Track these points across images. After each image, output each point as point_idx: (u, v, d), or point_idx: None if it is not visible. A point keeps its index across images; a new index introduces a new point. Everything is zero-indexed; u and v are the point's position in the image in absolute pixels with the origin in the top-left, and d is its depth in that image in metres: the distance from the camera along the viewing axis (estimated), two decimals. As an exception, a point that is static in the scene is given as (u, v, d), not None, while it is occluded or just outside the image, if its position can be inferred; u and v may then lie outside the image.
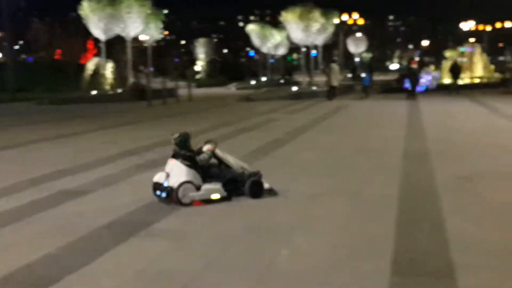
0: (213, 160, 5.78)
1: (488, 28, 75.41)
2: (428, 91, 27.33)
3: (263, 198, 5.61)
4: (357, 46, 53.22)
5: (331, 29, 33.40)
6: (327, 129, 12.93)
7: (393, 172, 7.00)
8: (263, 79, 46.25)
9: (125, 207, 5.38)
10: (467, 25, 75.40)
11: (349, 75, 45.68)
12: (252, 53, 78.25)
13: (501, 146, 9.27)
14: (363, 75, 30.51)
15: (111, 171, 7.56)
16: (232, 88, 39.96)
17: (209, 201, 5.44)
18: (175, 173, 5.48)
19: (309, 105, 21.04)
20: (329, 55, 71.38)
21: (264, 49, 45.32)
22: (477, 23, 76.14)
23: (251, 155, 8.82)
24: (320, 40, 33.32)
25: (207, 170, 5.66)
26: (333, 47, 68.49)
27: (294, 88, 29.95)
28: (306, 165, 7.86)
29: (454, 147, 9.24)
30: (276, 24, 43.04)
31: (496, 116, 14.96)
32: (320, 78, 36.48)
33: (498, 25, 75.28)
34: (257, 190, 5.63)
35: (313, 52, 37.49)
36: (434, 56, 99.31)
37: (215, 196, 5.49)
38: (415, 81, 23.62)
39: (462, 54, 41.24)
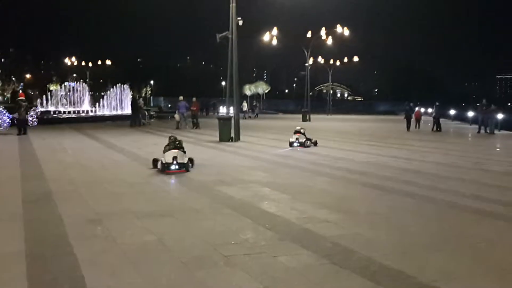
0: None
1: (90, 64, 79.24)
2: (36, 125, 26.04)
3: None
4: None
5: None
6: None
7: (14, 223, 6.07)
8: None
9: None
10: (71, 61, 77.37)
11: None
12: None
13: (119, 180, 9.50)
14: None
15: None
16: None
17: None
18: (181, 156, 10.57)
19: None
20: None
21: None
22: (80, 60, 79.02)
23: None
24: None
25: None
26: None
27: None
28: None
29: (76, 186, 8.87)
30: None
31: (110, 150, 15.46)
32: None
33: (99, 62, 79.89)
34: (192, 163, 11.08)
35: None
36: (39, 89, 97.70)
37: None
38: (24, 115, 22.17)
39: (66, 87, 42.29)
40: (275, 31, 41.28)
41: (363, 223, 6.38)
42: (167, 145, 10.92)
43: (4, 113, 23.87)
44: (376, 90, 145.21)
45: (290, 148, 16.50)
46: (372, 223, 6.39)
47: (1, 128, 23.10)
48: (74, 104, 41.68)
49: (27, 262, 4.57)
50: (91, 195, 8.07)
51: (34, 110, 27.66)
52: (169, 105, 65.00)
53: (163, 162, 10.40)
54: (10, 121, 23.25)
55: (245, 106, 47.86)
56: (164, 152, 10.74)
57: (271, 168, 11.73)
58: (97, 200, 7.63)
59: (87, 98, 42.74)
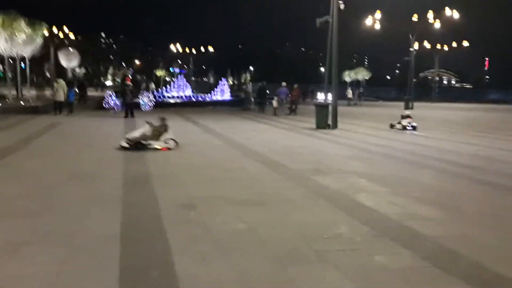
0: None
1: (194, 51, 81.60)
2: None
3: None
4: (69, 61, 50.51)
5: (39, 41, 30.45)
6: (35, 152, 11.27)
7: (113, 204, 6.27)
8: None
9: None
10: (176, 48, 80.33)
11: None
12: None
13: (215, 164, 9.56)
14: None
15: None
16: None
17: None
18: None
19: (16, 123, 18.56)
20: (39, 68, 66.27)
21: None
22: (184, 46, 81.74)
23: None
24: (27, 51, 29.97)
25: None
26: (44, 60, 63.83)
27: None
28: (7, 201, 6.41)
29: (173, 169, 9.07)
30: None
31: (208, 134, 15.74)
32: (28, 93, 33.31)
33: (202, 48, 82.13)
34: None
35: (23, 64, 33.67)
36: (146, 74, 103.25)
37: None
38: (131, 99, 23.46)
39: (171, 73, 44.05)
40: (378, 15, 39.80)
41: (471, 223, 5.80)
42: (162, 125, 12.16)
43: (113, 97, 25.64)
44: (487, 77, 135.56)
45: (404, 131, 17.77)
46: (481, 223, 5.79)
47: (112, 111, 24.79)
48: (178, 89, 43.32)
49: (121, 245, 4.65)
50: (187, 179, 8.19)
51: (146, 94, 29.28)
52: (268, 91, 65.63)
53: (175, 140, 11.87)
54: (119, 105, 24.81)
55: (349, 93, 46.75)
56: (160, 134, 11.85)
57: (369, 158, 11.23)
58: (192, 184, 7.71)
59: (189, 83, 44.35)
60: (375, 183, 8.08)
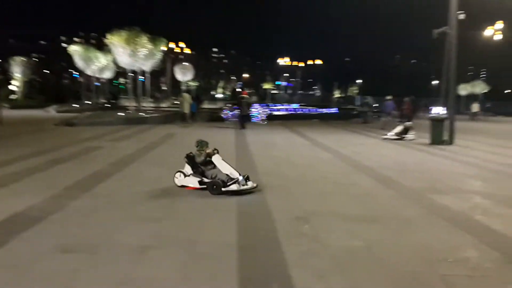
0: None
1: (301, 64, 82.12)
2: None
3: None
4: (184, 74, 53.32)
5: (158, 56, 32.43)
6: (155, 160, 11.95)
7: (228, 213, 6.41)
8: (87, 102, 43.78)
9: None
10: (283, 61, 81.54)
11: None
12: (77, 75, 73.85)
13: (326, 178, 9.43)
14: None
15: None
16: (52, 111, 36.76)
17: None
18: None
19: (137, 132, 19.89)
20: (157, 81, 70.78)
21: (89, 72, 42.74)
22: (292, 60, 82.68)
23: (66, 193, 7.51)
24: (147, 66, 32.07)
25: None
26: (161, 74, 68.13)
27: (121, 114, 28.45)
28: (131, 206, 6.82)
29: (285, 181, 9.09)
30: (102, 47, 40.78)
31: (316, 147, 15.65)
32: (148, 104, 35.65)
33: (309, 62, 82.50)
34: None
35: (141, 77, 36.14)
36: (254, 87, 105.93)
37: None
38: (246, 111, 24.72)
39: (277, 86, 44.66)
40: (499, 25, 37.32)
41: None
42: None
43: (231, 109, 28.18)
44: None
45: None
46: None
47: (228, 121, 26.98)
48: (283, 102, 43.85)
49: (238, 254, 4.71)
50: (299, 192, 8.15)
51: (260, 107, 30.75)
52: (375, 105, 64.22)
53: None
54: (235, 116, 26.69)
55: (475, 107, 44.17)
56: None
57: (493, 177, 10.41)
58: (304, 198, 7.66)
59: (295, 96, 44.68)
60: (502, 205, 7.46)
